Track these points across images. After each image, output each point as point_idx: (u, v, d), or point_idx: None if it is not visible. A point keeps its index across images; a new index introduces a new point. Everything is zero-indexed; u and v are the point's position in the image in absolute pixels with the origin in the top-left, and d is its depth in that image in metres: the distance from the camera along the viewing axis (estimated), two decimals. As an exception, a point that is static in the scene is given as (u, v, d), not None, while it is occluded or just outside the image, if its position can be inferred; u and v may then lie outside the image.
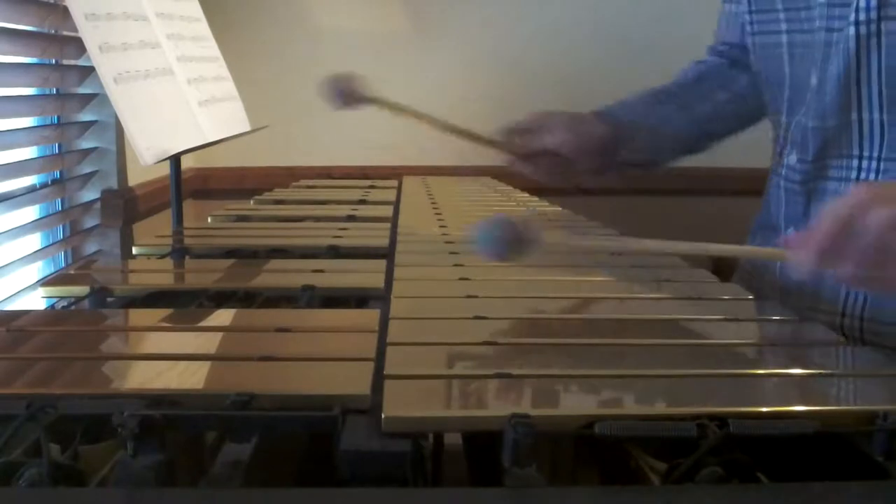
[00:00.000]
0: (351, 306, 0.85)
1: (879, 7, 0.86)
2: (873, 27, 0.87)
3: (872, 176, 0.90)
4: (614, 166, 1.12)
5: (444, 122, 1.07)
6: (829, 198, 0.93)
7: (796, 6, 0.95)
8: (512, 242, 0.70)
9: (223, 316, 0.80)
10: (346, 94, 1.03)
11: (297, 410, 0.53)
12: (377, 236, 1.14)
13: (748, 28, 1.04)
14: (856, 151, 0.92)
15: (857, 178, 0.91)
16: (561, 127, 1.09)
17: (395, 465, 0.49)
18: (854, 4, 0.87)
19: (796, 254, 0.68)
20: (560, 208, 1.45)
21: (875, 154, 0.91)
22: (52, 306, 0.91)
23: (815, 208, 0.96)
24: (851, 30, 0.88)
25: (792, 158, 0.99)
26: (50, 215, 1.54)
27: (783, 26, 0.99)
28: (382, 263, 0.96)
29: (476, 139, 1.09)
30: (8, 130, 1.38)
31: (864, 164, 0.91)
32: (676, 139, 1.15)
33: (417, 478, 0.50)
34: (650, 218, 1.20)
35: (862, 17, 0.87)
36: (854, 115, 0.91)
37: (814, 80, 0.93)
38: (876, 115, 0.90)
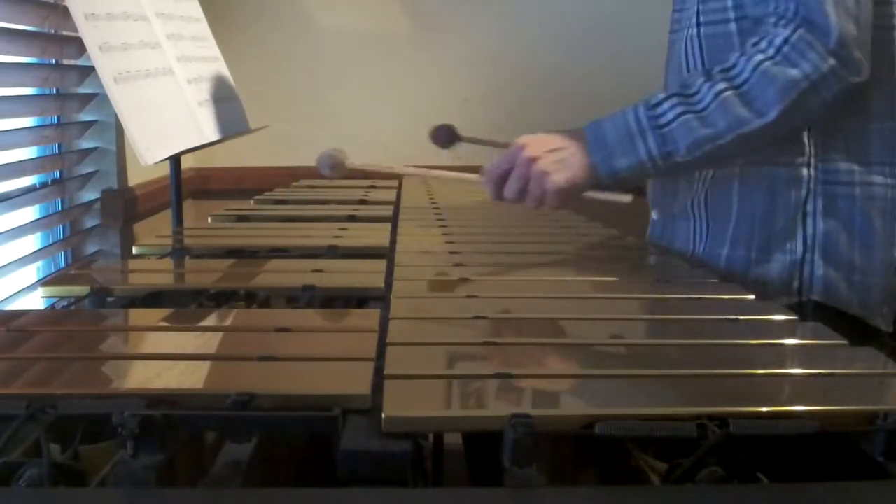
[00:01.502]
0: (351, 306, 0.85)
1: (699, 14, 1.05)
2: (695, 31, 1.06)
3: None
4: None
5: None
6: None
7: (675, 7, 1.14)
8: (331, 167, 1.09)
9: (223, 316, 0.80)
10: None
11: (297, 410, 0.53)
12: (377, 236, 1.14)
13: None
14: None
15: None
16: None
17: (395, 465, 0.49)
18: (694, 9, 1.06)
19: (483, 181, 1.02)
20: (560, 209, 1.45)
21: None
22: (52, 306, 0.91)
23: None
24: (684, 32, 1.08)
25: None
26: (50, 215, 1.54)
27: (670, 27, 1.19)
28: (382, 263, 0.96)
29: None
30: (8, 130, 1.38)
31: None
32: None
33: (417, 478, 0.50)
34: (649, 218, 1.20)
35: (693, 20, 1.06)
36: None
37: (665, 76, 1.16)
38: None
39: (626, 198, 1.05)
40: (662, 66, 1.24)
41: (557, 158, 0.98)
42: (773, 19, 0.93)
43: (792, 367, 0.63)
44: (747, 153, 1.00)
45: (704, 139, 0.94)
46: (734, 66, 0.94)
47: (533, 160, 0.97)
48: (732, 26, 1.01)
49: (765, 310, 0.79)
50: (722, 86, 0.93)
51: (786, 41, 0.91)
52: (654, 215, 1.21)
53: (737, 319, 0.76)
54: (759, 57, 0.92)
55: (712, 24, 1.04)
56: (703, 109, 0.94)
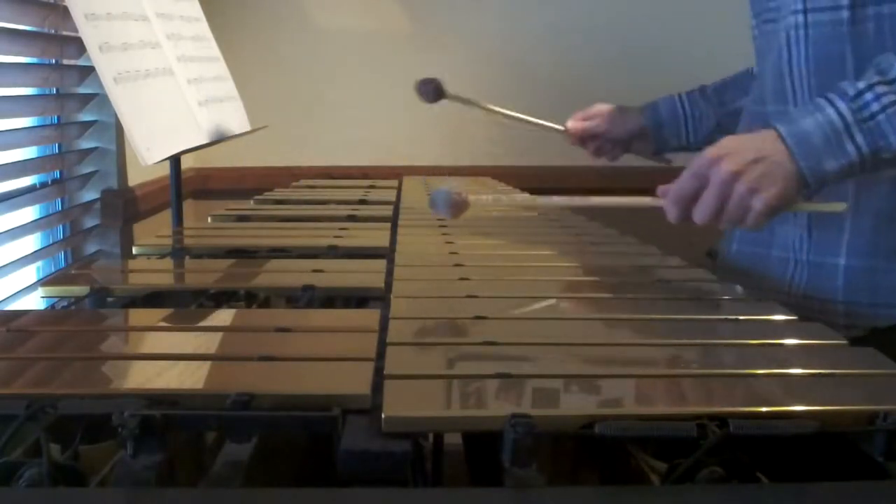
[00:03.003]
0: (351, 306, 0.85)
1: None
2: (800, 18, 0.96)
3: None
4: (644, 151, 1.39)
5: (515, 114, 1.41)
6: None
7: None
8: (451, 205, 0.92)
9: (223, 316, 0.80)
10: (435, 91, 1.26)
11: (297, 410, 0.53)
12: (377, 236, 1.14)
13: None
14: None
15: None
16: (602, 117, 1.38)
17: (395, 465, 0.49)
18: None
19: (665, 202, 0.88)
20: (560, 209, 1.45)
21: None
22: (52, 306, 0.91)
23: None
24: (785, 21, 0.98)
25: None
26: (50, 215, 1.54)
27: (751, 21, 1.10)
28: (382, 263, 0.96)
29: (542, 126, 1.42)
30: (8, 130, 1.38)
31: None
32: (706, 135, 1.31)
33: (417, 478, 0.50)
34: (650, 218, 1.19)
35: (793, 7, 0.97)
36: (791, 106, 0.99)
37: (756, 69, 1.08)
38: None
39: (841, 206, 0.93)
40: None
41: (762, 172, 0.84)
42: None
43: (792, 367, 0.63)
44: None
45: None
46: None
47: (736, 176, 0.83)
48: (845, 14, 0.93)
49: (765, 310, 0.79)
50: None
51: None
52: None
53: (737, 319, 0.76)
54: None
55: (820, 12, 0.95)
56: None
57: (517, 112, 1.43)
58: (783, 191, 0.84)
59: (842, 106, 0.85)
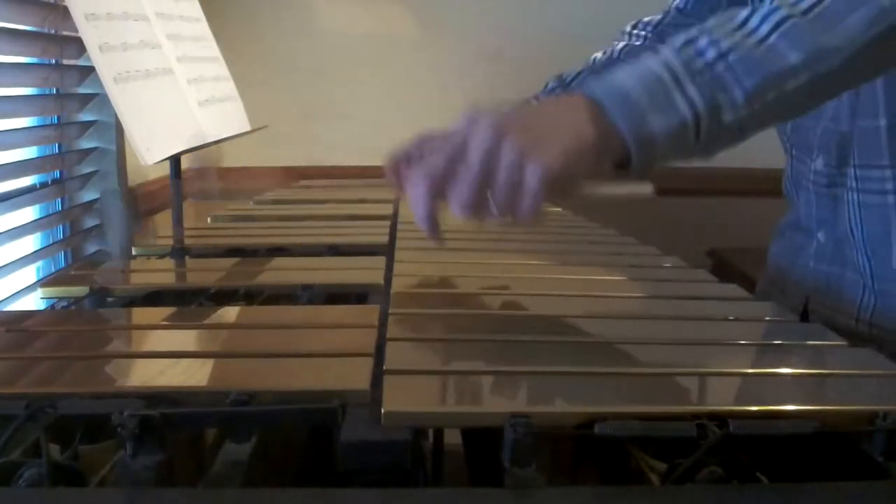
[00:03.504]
0: (351, 302, 0.85)
1: None
2: None
3: None
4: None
5: None
6: (863, 207, 0.93)
7: None
8: None
9: (223, 314, 0.80)
10: None
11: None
12: (377, 233, 1.14)
13: None
14: (886, 161, 0.89)
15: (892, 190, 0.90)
16: None
17: (395, 455, 0.49)
18: None
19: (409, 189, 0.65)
20: (560, 209, 1.45)
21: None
22: (52, 306, 0.91)
23: (844, 211, 0.95)
24: None
25: (819, 163, 0.98)
26: (50, 215, 1.54)
27: None
28: (382, 260, 0.96)
29: None
30: (8, 130, 1.38)
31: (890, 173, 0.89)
32: None
33: (417, 468, 0.50)
34: (650, 218, 1.20)
35: None
36: (869, 122, 0.90)
37: None
38: (883, 122, 0.89)
39: (647, 188, 0.71)
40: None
41: (539, 132, 0.63)
42: None
43: (792, 367, 0.63)
44: (819, 103, 0.78)
45: (770, 80, 0.65)
46: None
47: (500, 137, 0.62)
48: None
49: (765, 310, 0.79)
50: (782, 12, 0.66)
51: None
52: (820, 237, 1.00)
53: (737, 319, 0.76)
54: None
55: None
56: (762, 40, 0.65)
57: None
58: (566, 157, 0.62)
59: (667, 54, 0.66)
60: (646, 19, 1.21)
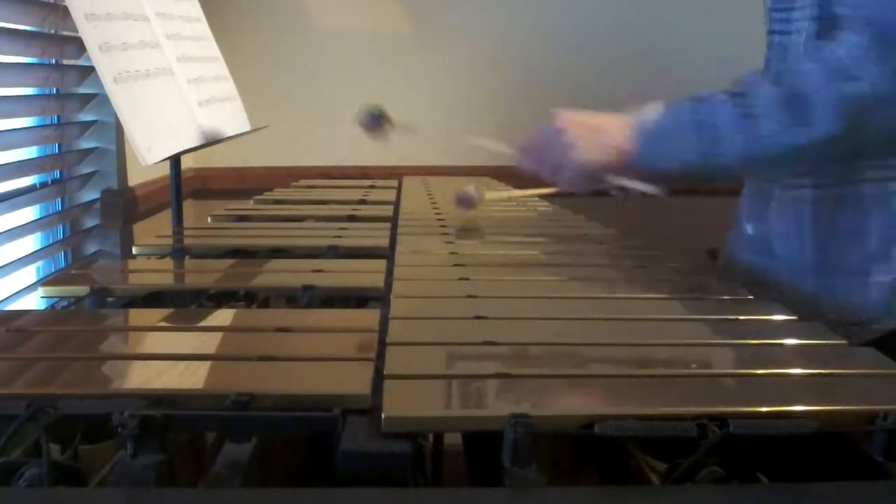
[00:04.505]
0: (351, 306, 0.85)
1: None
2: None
3: None
4: None
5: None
6: (781, 202, 1.02)
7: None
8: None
9: (223, 316, 0.80)
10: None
11: (297, 410, 0.53)
12: (377, 236, 1.14)
13: None
14: None
15: None
16: None
17: (395, 465, 0.49)
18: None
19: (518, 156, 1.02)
20: (559, 208, 1.45)
21: None
22: (52, 306, 0.91)
23: (768, 205, 1.04)
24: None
25: None
26: (50, 215, 1.54)
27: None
28: (382, 263, 0.96)
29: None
30: (8, 130, 1.38)
31: None
32: None
33: (417, 478, 0.50)
34: (650, 218, 1.20)
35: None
36: None
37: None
38: None
39: (656, 189, 0.97)
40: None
41: (588, 138, 0.95)
42: (846, 24, 0.85)
43: (792, 367, 0.63)
44: (797, 166, 0.95)
45: (756, 146, 0.87)
46: (798, 70, 0.86)
47: (562, 132, 0.96)
48: None
49: (765, 310, 0.79)
50: (779, 93, 0.86)
51: (856, 50, 0.83)
52: (749, 230, 1.10)
53: (737, 319, 0.76)
54: (825, 66, 0.84)
55: None
56: (759, 116, 0.87)
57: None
58: (600, 160, 0.95)
59: (688, 107, 0.91)
60: None
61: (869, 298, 0.94)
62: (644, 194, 0.99)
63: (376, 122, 1.24)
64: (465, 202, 1.26)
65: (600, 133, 0.95)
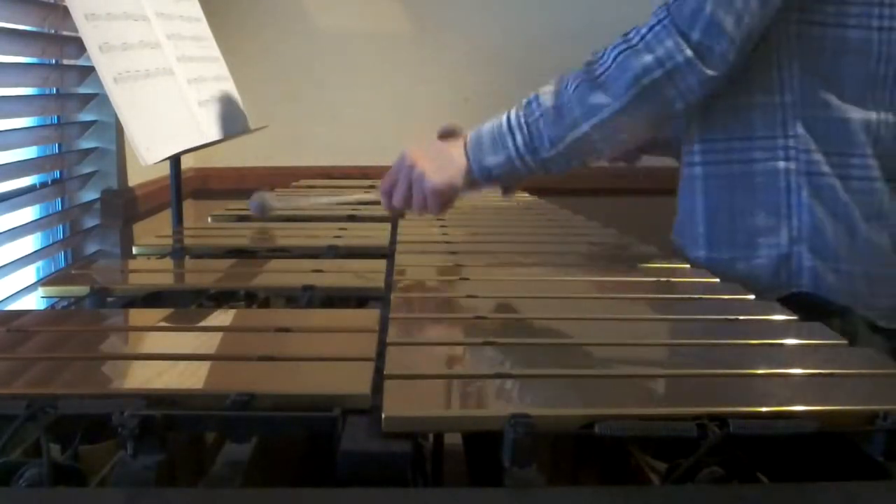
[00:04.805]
0: (351, 306, 0.85)
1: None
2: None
3: None
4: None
5: None
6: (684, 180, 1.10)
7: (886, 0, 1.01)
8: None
9: (223, 316, 0.80)
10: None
11: (297, 410, 0.53)
12: (377, 236, 1.14)
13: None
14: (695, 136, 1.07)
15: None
16: None
17: (395, 466, 0.49)
18: None
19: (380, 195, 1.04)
20: (559, 209, 1.45)
21: None
22: (52, 306, 0.91)
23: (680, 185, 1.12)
24: None
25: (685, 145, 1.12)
26: (50, 215, 1.54)
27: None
28: (382, 263, 0.96)
29: None
30: (8, 130, 1.38)
31: None
32: None
33: (417, 478, 0.50)
34: (650, 218, 1.20)
35: None
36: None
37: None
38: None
39: (503, 194, 1.10)
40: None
41: (436, 163, 1.01)
42: (653, 9, 0.94)
43: (792, 367, 0.63)
44: (614, 146, 1.01)
45: (564, 131, 0.96)
46: (601, 56, 0.96)
47: (412, 166, 1.00)
48: None
49: (765, 310, 0.79)
50: (581, 77, 0.97)
51: (650, 29, 0.92)
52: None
53: (737, 319, 0.76)
54: (623, 46, 0.94)
55: None
56: (563, 102, 0.96)
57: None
58: (449, 179, 1.00)
59: (514, 111, 1.00)
60: None
61: (756, 271, 1.01)
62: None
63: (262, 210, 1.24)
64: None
65: (442, 157, 1.02)
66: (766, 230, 1.01)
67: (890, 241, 1.01)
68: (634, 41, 0.93)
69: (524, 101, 1.01)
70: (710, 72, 0.91)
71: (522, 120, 0.99)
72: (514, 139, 0.99)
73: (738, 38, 0.90)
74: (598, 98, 0.95)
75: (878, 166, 0.98)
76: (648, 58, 0.92)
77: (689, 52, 0.90)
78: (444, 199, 1.01)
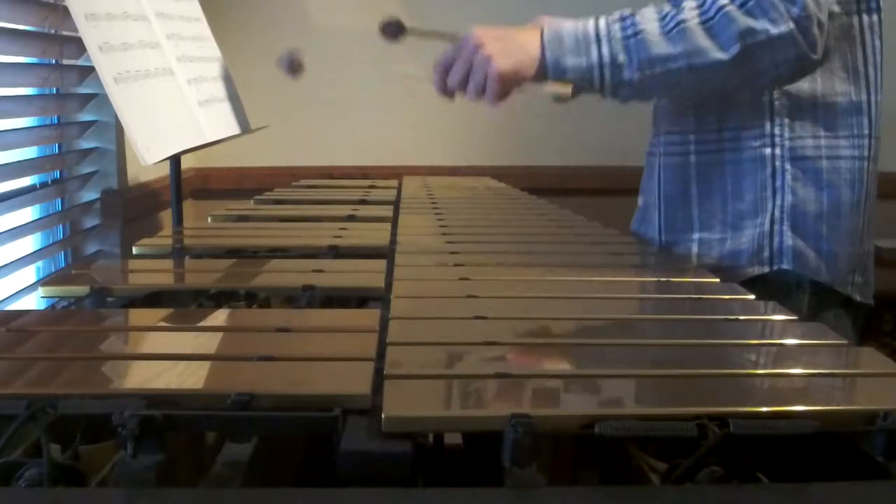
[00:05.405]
0: (351, 306, 0.85)
1: None
2: None
3: None
4: None
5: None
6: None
7: None
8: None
9: (223, 316, 0.80)
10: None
11: (297, 410, 0.53)
12: (377, 236, 1.14)
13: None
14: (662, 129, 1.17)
15: None
16: None
17: (395, 466, 0.49)
18: None
19: (433, 72, 1.06)
20: (559, 208, 1.45)
21: None
22: (52, 306, 0.91)
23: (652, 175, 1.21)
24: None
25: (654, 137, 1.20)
26: (50, 215, 1.54)
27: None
28: (382, 263, 0.96)
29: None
30: (8, 130, 1.38)
31: None
32: None
33: (417, 478, 0.50)
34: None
35: None
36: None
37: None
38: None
39: (566, 89, 1.07)
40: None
41: (504, 47, 1.00)
42: None
43: (792, 367, 0.63)
44: (691, 91, 1.04)
45: (658, 59, 0.97)
46: (703, 3, 0.97)
47: (479, 46, 1.00)
48: None
49: (765, 310, 0.79)
50: (688, 15, 0.97)
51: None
52: (639, 202, 1.25)
53: (737, 319, 0.76)
54: (725, 1, 0.95)
55: None
56: (666, 32, 0.97)
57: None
58: (515, 65, 1.00)
59: (605, 20, 1.00)
60: None
61: (741, 248, 1.08)
62: (558, 97, 1.09)
63: (292, 66, 1.23)
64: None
65: (514, 43, 1.01)
66: (752, 212, 1.07)
67: (869, 220, 1.06)
68: (738, 2, 0.94)
69: (616, 14, 1.00)
70: (807, 51, 0.94)
71: (615, 34, 0.99)
72: (599, 49, 0.98)
73: (825, 23, 0.95)
74: (703, 42, 0.96)
75: (863, 146, 1.03)
76: (754, 22, 0.94)
77: (792, 26, 0.93)
78: (507, 86, 1.00)
